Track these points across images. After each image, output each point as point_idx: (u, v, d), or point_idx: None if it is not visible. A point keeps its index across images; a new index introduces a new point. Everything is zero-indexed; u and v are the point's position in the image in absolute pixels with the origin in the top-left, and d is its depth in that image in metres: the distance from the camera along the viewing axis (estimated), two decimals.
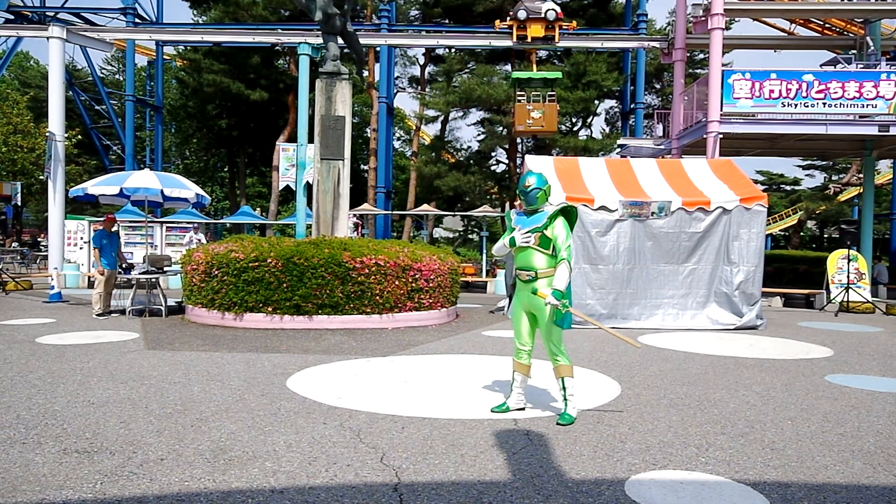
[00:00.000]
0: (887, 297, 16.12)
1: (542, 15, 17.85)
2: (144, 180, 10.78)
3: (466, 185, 27.29)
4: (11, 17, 25.00)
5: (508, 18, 18.57)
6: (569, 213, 4.69)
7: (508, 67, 30.37)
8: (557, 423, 4.52)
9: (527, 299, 4.65)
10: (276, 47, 28.18)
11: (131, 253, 17.70)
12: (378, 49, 25.50)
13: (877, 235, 26.04)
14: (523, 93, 19.72)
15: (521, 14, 17.97)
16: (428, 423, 4.51)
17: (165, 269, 11.14)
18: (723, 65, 14.99)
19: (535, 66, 22.31)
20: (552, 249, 4.56)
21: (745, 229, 10.30)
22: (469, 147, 34.05)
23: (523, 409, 4.87)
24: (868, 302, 13.35)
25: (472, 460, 3.78)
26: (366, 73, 31.06)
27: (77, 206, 25.63)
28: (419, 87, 32.88)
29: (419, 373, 6.28)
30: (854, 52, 18.10)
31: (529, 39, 18.19)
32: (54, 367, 6.19)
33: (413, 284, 9.62)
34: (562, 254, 4.49)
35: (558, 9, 18.27)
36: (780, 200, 40.57)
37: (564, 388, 4.61)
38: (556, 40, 18.28)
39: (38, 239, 29.04)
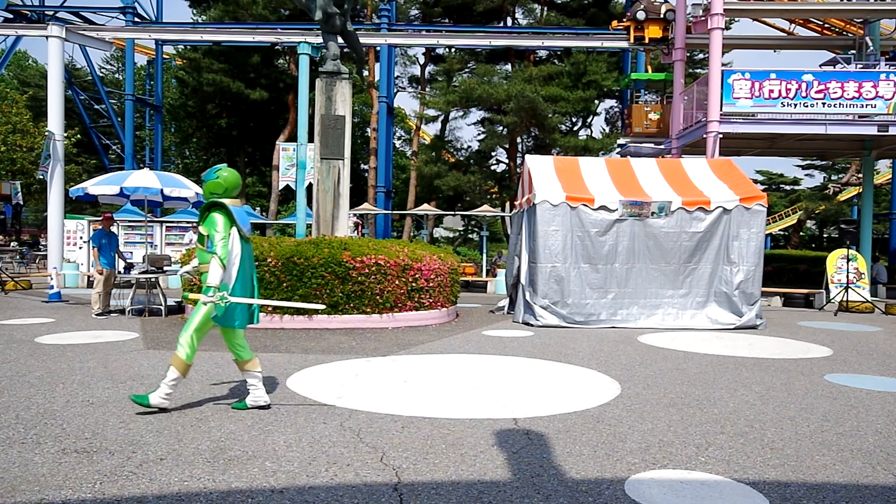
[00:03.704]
0: (886, 297, 16.13)
1: (661, 16, 17.27)
2: (144, 180, 10.78)
3: (466, 184, 27.28)
4: (10, 16, 24.97)
5: (625, 19, 17.96)
6: (219, 207, 4.61)
7: (508, 67, 30.36)
8: (232, 407, 4.76)
9: None
10: (276, 46, 28.17)
11: (131, 252, 17.70)
12: (378, 48, 25.50)
13: (876, 235, 26.03)
14: (640, 94, 19.34)
15: (641, 15, 17.34)
16: (428, 423, 4.51)
17: (165, 268, 11.14)
18: (723, 65, 14.98)
19: (649, 67, 21.83)
20: (207, 244, 4.64)
21: (745, 229, 10.31)
22: (469, 147, 34.09)
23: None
24: (867, 301, 13.37)
25: (472, 460, 3.78)
26: (366, 73, 31.07)
27: (76, 206, 25.64)
28: (419, 87, 32.90)
29: (419, 373, 6.28)
30: (853, 52, 18.09)
31: (647, 41, 17.53)
32: (53, 367, 6.18)
33: (413, 284, 9.62)
34: (216, 249, 4.49)
35: None
36: (780, 200, 40.63)
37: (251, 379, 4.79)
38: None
39: (38, 238, 29.05)
